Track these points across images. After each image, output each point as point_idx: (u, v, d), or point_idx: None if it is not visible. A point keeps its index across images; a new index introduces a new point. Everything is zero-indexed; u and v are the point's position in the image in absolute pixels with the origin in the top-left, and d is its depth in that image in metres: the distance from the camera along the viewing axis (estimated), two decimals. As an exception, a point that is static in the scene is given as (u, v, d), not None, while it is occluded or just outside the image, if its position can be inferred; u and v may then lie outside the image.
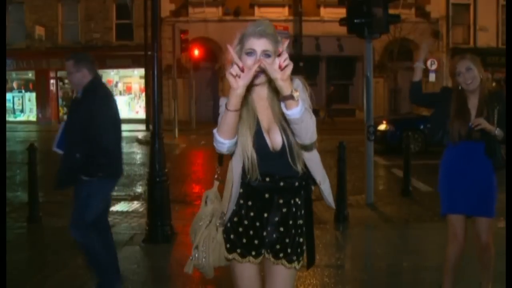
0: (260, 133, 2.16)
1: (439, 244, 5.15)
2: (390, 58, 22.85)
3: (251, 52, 2.09)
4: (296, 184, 2.22)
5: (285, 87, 1.91)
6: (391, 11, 7.12)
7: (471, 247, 3.52)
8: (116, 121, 3.68)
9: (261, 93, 2.21)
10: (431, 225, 5.91)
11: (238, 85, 1.93)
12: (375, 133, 8.11)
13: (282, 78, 1.90)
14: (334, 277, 4.22)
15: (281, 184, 2.19)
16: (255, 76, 2.08)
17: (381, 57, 22.79)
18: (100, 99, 3.59)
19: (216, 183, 2.33)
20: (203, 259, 2.26)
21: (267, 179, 2.18)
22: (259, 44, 2.09)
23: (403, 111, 21.65)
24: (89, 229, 3.66)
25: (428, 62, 22.59)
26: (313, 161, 2.24)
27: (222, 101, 2.19)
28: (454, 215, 3.36)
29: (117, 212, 6.62)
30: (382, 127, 12.73)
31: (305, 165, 2.23)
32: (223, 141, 2.07)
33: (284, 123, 2.13)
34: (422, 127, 12.68)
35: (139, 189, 8.39)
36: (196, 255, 2.27)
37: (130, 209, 6.79)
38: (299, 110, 1.96)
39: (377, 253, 5.05)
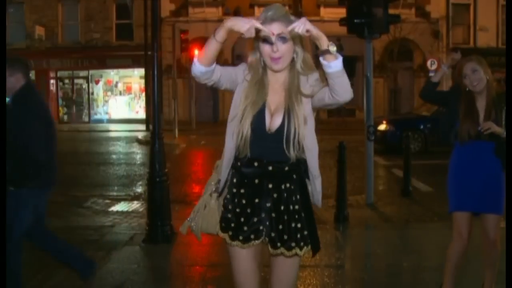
0: (262, 113, 2.19)
1: (439, 244, 5.15)
2: (390, 58, 22.84)
3: (267, 39, 2.14)
4: (286, 169, 2.21)
5: (320, 43, 2.03)
6: (391, 11, 7.13)
7: (473, 247, 3.52)
8: (48, 129, 3.49)
9: (279, 77, 2.24)
10: (431, 225, 5.92)
11: (243, 28, 2.05)
12: (375, 133, 8.11)
13: (313, 37, 2.03)
14: (334, 277, 4.22)
15: (269, 168, 2.19)
16: (276, 61, 2.15)
17: (381, 57, 22.80)
18: (32, 107, 3.41)
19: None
20: (194, 223, 2.33)
21: (256, 163, 2.20)
22: (273, 29, 2.12)
23: (403, 111, 21.66)
24: (17, 244, 3.48)
25: (428, 62, 22.59)
26: (312, 153, 2.23)
27: (242, 66, 2.29)
28: (460, 213, 3.35)
29: (117, 212, 6.63)
30: (382, 127, 12.73)
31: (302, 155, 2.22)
32: (196, 63, 2.19)
33: (294, 106, 2.16)
34: (422, 127, 12.68)
35: (139, 189, 8.39)
36: (193, 216, 2.34)
37: (130, 209, 6.79)
38: (339, 62, 2.06)
39: (377, 253, 5.04)
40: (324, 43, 2.02)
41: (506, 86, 3.16)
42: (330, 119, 21.17)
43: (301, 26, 1.99)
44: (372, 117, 6.90)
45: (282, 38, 2.12)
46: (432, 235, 5.44)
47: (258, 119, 2.18)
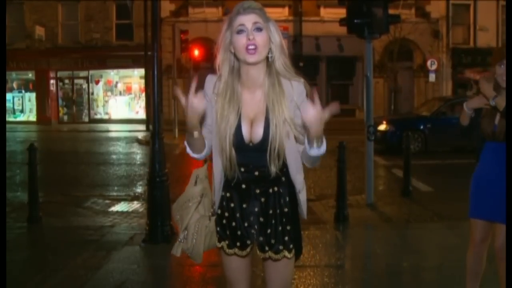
0: (239, 128, 2.09)
1: (439, 244, 5.17)
2: (390, 58, 22.84)
3: (241, 30, 2.03)
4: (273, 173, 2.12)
5: (316, 141, 1.96)
6: (391, 11, 7.11)
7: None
8: None
9: (255, 78, 2.10)
10: (431, 225, 5.91)
11: (197, 109, 1.96)
12: (375, 133, 8.10)
13: (312, 133, 1.93)
14: (334, 277, 4.22)
15: (256, 173, 2.11)
16: (251, 52, 2.02)
17: (381, 57, 22.80)
18: None
19: (207, 161, 2.29)
20: (192, 244, 2.21)
21: (242, 169, 2.12)
22: (248, 19, 2.03)
23: (403, 111, 21.66)
24: None
25: (428, 62, 22.61)
26: (294, 168, 2.14)
27: (209, 83, 2.15)
28: (474, 219, 3.25)
29: (117, 212, 6.62)
30: (382, 127, 12.74)
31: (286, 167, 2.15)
32: (194, 156, 2.19)
33: (275, 113, 2.05)
34: (422, 127, 12.68)
35: (139, 189, 8.39)
36: (186, 238, 2.22)
37: (130, 209, 6.79)
38: (321, 151, 2.00)
39: (377, 253, 5.04)
40: (321, 140, 1.96)
41: (506, 86, 3.09)
42: (330, 119, 21.15)
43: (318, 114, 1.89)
44: (372, 117, 6.89)
45: (258, 28, 2.03)
46: (432, 235, 5.44)
47: (237, 137, 2.08)
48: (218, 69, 2.12)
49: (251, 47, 2.01)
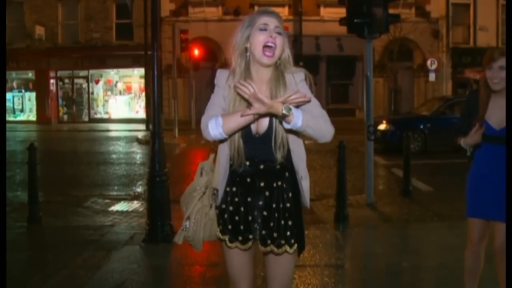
0: None
1: (439, 244, 5.17)
2: (390, 58, 22.84)
3: (264, 28, 2.18)
4: (278, 167, 2.20)
5: (275, 112, 2.04)
6: (391, 11, 7.11)
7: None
8: None
9: (264, 75, 2.24)
10: (431, 225, 5.92)
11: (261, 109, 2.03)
12: (375, 133, 8.11)
13: (267, 112, 2.04)
14: (334, 277, 4.22)
15: (261, 167, 2.19)
16: (268, 54, 2.16)
17: (381, 57, 22.79)
18: None
19: (212, 155, 2.35)
20: (193, 232, 2.29)
21: (247, 163, 2.19)
22: (272, 21, 2.19)
23: (403, 111, 21.66)
24: None
25: (428, 62, 22.61)
26: (296, 154, 2.22)
27: (221, 76, 2.26)
28: (472, 219, 3.24)
29: (117, 212, 6.63)
30: (382, 127, 12.73)
31: (289, 156, 2.22)
32: (222, 132, 2.12)
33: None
34: (422, 127, 12.69)
35: (139, 189, 8.39)
36: (187, 226, 2.29)
37: (130, 209, 6.79)
38: (297, 120, 2.04)
39: (377, 253, 5.04)
40: (278, 109, 2.02)
41: (506, 85, 3.08)
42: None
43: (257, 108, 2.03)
44: (372, 117, 6.90)
45: (278, 32, 2.18)
46: (432, 235, 5.44)
47: (245, 128, 2.16)
48: (234, 63, 2.24)
49: (270, 44, 2.15)
